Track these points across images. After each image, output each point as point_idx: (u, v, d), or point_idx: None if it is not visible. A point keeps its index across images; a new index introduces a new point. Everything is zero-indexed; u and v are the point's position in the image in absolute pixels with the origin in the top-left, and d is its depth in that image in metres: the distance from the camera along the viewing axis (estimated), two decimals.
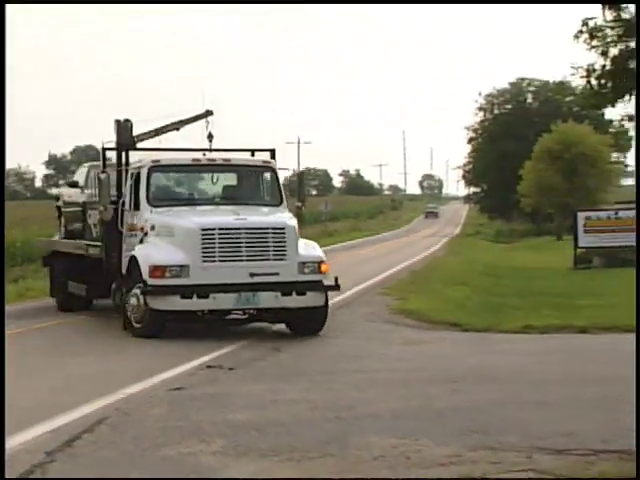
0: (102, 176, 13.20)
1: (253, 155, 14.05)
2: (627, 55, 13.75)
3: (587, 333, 12.00)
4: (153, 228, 12.44)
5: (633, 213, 25.40)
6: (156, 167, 13.02)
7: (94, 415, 7.04)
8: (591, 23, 13.82)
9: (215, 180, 13.80)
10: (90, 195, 15.22)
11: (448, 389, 8.07)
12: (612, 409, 6.96)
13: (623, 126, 15.90)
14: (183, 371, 9.48)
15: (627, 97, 13.84)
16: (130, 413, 7.16)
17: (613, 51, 13.80)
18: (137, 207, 12.90)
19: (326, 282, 12.31)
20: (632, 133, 15.26)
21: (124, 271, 12.86)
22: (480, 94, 64.48)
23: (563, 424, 6.31)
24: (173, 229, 12.23)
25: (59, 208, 17.03)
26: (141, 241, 12.52)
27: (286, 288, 11.93)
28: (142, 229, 12.59)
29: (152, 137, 14.91)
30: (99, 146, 14.99)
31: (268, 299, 11.90)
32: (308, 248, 12.54)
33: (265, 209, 13.18)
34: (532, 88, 64.08)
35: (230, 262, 11.81)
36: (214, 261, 11.78)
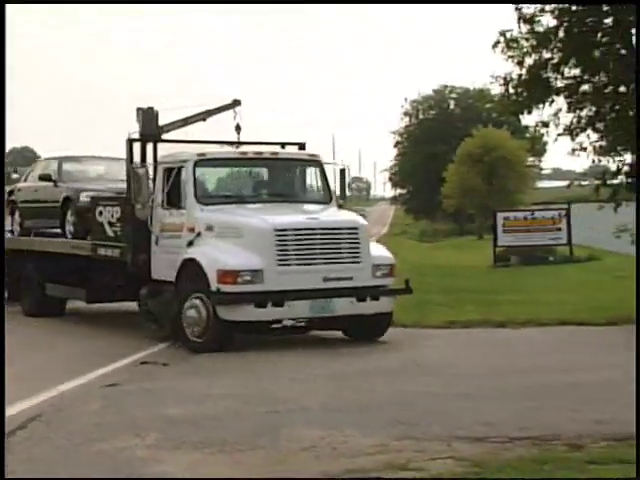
0: (140, 170, 11.37)
1: (283, 149, 12.57)
2: (540, 65, 14.01)
3: (506, 327, 12.19)
4: (211, 228, 10.74)
5: (548, 213, 25.95)
6: (202, 161, 11.33)
7: (28, 412, 6.90)
8: (508, 34, 14.05)
9: (263, 175, 12.19)
10: (72, 189, 13.42)
11: (377, 382, 8.13)
12: (528, 399, 7.09)
13: (538, 132, 16.12)
14: (118, 367, 9.37)
15: (541, 105, 14.10)
16: (64, 409, 7.03)
17: (528, 61, 14.02)
18: (177, 205, 11.20)
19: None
20: (546, 138, 15.54)
21: (156, 276, 11.31)
22: (406, 100, 65.04)
23: (483, 414, 6.40)
24: (241, 229, 10.55)
25: (13, 203, 15.24)
26: (191, 243, 10.77)
27: (361, 293, 10.65)
28: (191, 229, 10.86)
29: (179, 128, 13.19)
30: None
31: (344, 306, 10.52)
32: (379, 250, 11.35)
33: (318, 207, 11.63)
34: (454, 95, 64.87)
35: (304, 266, 10.37)
36: (289, 265, 10.30)
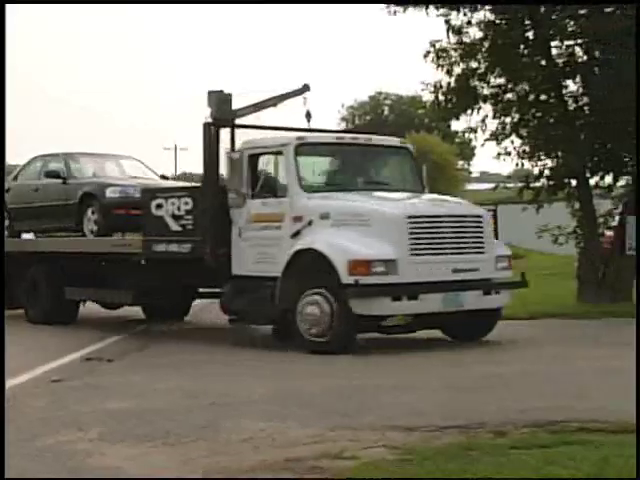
0: (234, 156, 10.16)
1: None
2: (468, 74, 14.20)
3: None
4: (326, 217, 9.55)
5: None
6: (303, 146, 10.14)
7: None
8: (437, 45, 14.21)
9: (359, 162, 10.99)
10: (95, 185, 12.15)
11: (315, 376, 8.13)
12: (454, 390, 7.18)
13: (466, 137, 16.35)
14: (63, 363, 9.20)
15: (469, 111, 14.30)
16: (9, 405, 6.87)
17: (456, 70, 14.22)
18: (274, 193, 10.04)
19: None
20: (474, 143, 15.77)
21: (240, 271, 10.11)
22: (343, 106, 65.33)
23: (414, 405, 6.46)
24: (369, 217, 9.43)
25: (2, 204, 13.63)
26: (297, 234, 9.61)
27: (487, 286, 9.79)
28: (298, 218, 9.68)
29: (251, 113, 11.88)
30: None
31: (471, 299, 9.59)
32: (496, 241, 10.53)
33: (415, 195, 10.62)
34: (388, 101, 65.38)
35: (435, 256, 9.44)
36: (421, 255, 9.32)
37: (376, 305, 9.08)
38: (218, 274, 10.31)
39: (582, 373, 7.90)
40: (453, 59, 14.18)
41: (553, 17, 13.66)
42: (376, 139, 11.21)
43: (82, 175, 12.79)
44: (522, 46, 14.18)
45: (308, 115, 11.93)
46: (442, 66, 14.18)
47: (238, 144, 10.80)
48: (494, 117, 14.33)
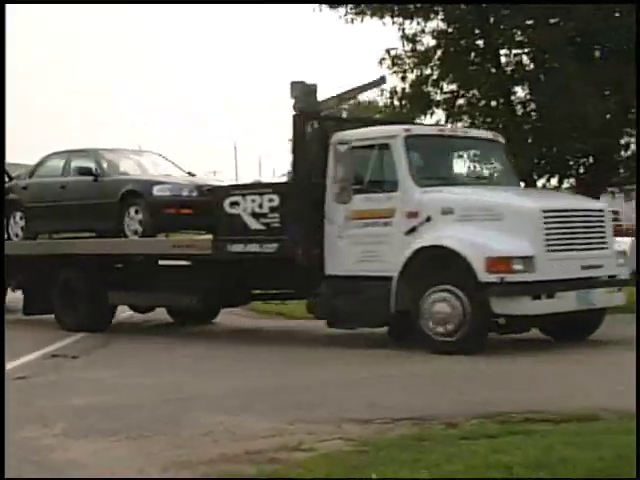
0: (342, 148, 9.23)
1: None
2: (422, 80, 14.32)
3: None
4: (449, 212, 8.82)
5: None
6: (411, 138, 9.33)
7: None
8: (392, 52, 14.31)
9: (461, 155, 10.43)
10: (140, 182, 11.00)
11: (273, 371, 8.12)
12: (406, 384, 7.23)
13: None
14: (28, 360, 9.07)
15: (423, 116, 14.42)
16: None
17: (411, 77, 14.34)
18: (381, 188, 9.26)
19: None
20: None
21: (337, 271, 9.35)
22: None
23: (368, 398, 6.48)
24: (501, 212, 8.68)
25: (17, 203, 12.34)
26: (413, 230, 8.87)
27: (614, 283, 9.20)
28: (413, 214, 8.92)
29: (335, 105, 11.31)
30: None
31: (601, 297, 8.98)
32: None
33: (519, 188, 10.00)
34: (347, 105, 65.62)
35: (567, 252, 8.76)
36: (556, 251, 8.64)
37: (515, 304, 8.38)
38: (310, 275, 9.45)
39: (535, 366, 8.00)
40: (407, 66, 14.29)
41: (502, 27, 13.84)
42: (473, 132, 10.60)
43: (117, 172, 11.63)
44: (473, 54, 14.35)
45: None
46: (397, 72, 14.30)
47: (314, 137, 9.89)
48: (446, 121, 14.47)
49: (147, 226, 10.77)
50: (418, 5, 13.92)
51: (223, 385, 7.33)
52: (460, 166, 10.42)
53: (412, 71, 14.31)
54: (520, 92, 14.62)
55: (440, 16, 14.01)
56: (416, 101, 14.31)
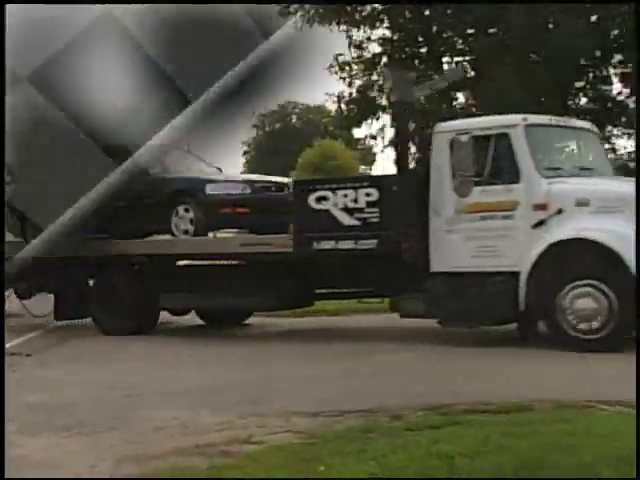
0: (463, 138, 8.58)
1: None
2: (368, 86, 14.40)
3: (339, 316, 12.43)
4: (584, 204, 8.22)
5: None
6: (530, 127, 8.74)
7: None
8: (340, 58, 14.37)
9: (572, 145, 9.72)
10: (191, 181, 10.27)
11: (225, 368, 8.08)
12: (354, 378, 7.25)
13: (367, 144, 16.60)
14: None
15: (369, 120, 14.49)
16: None
17: (357, 82, 14.40)
18: (499, 179, 8.60)
19: None
20: (375, 149, 16.02)
21: (446, 267, 8.70)
22: (254, 113, 65.20)
23: (317, 392, 6.49)
24: (633, 203, 7.93)
25: None
26: (541, 223, 8.27)
27: None
28: (541, 206, 8.31)
29: (423, 95, 10.89)
30: None
31: None
32: None
33: (623, 179, 9.39)
34: (297, 110, 65.62)
35: None
36: None
37: None
38: (414, 272, 8.78)
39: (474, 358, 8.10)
40: (354, 72, 14.35)
41: (444, 35, 13.98)
42: (577, 122, 9.96)
43: (163, 169, 10.85)
44: (417, 61, 14.46)
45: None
46: (344, 78, 14.34)
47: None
48: (392, 125, 14.57)
49: (200, 225, 10.05)
50: (364, 14, 13.99)
51: (174, 381, 7.26)
52: (572, 156, 9.76)
53: (359, 77, 14.38)
54: (461, 98, 14.80)
55: (385, 24, 14.10)
56: (362, 106, 14.37)
